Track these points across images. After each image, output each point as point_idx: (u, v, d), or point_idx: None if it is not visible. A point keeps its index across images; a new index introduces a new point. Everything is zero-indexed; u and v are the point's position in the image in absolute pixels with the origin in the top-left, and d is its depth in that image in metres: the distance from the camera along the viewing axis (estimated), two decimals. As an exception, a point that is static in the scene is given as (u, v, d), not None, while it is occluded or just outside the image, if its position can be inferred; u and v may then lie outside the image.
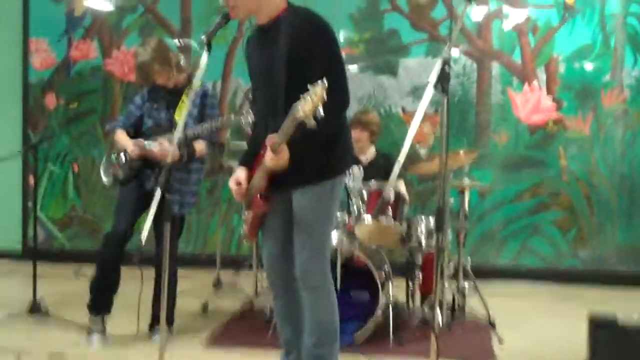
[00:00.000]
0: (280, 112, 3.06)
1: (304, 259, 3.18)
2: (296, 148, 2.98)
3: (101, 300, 4.49)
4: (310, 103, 2.73)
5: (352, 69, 6.68)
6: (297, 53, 3.02)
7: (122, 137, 4.57)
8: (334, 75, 2.93)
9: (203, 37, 3.18)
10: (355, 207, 4.62)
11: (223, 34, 6.65)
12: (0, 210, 6.63)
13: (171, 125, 4.37)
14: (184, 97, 4.42)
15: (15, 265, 6.70)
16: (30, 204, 6.91)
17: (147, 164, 4.46)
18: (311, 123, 2.75)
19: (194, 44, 6.58)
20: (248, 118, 4.20)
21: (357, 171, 5.18)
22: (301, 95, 2.75)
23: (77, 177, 7.06)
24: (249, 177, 3.27)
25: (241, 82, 6.73)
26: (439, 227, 3.36)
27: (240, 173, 3.29)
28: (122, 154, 4.55)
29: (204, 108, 4.44)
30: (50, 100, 7.10)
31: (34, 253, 5.07)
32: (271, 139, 2.97)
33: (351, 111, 5.33)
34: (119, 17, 7.02)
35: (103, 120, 6.90)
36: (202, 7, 6.81)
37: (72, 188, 7.07)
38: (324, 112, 2.77)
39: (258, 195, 3.19)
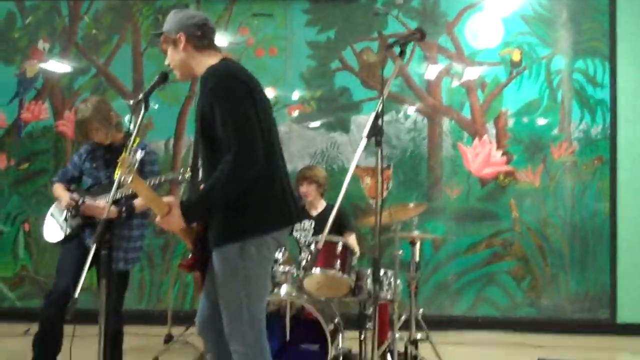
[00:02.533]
0: (205, 172, 3.13)
1: (225, 323, 3.14)
2: (197, 210, 3.01)
3: (43, 358, 4.43)
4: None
5: (304, 126, 6.77)
6: (204, 113, 3.05)
7: (59, 190, 4.57)
8: (230, 135, 2.95)
9: (140, 95, 3.26)
10: (304, 260, 4.67)
11: (175, 94, 6.74)
12: None
13: (111, 184, 4.31)
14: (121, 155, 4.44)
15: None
16: None
17: (87, 222, 4.43)
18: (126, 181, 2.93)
19: (131, 103, 6.72)
20: (185, 175, 4.28)
21: (307, 225, 5.25)
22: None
23: (27, 237, 7.01)
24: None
25: (191, 138, 6.75)
26: (375, 277, 3.45)
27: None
28: (63, 211, 4.53)
29: (144, 165, 4.42)
30: (1, 161, 7.08)
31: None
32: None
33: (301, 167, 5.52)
34: (71, 79, 7.07)
35: (54, 180, 6.86)
36: (153, 68, 6.86)
37: (23, 248, 7.01)
38: (219, 175, 2.90)
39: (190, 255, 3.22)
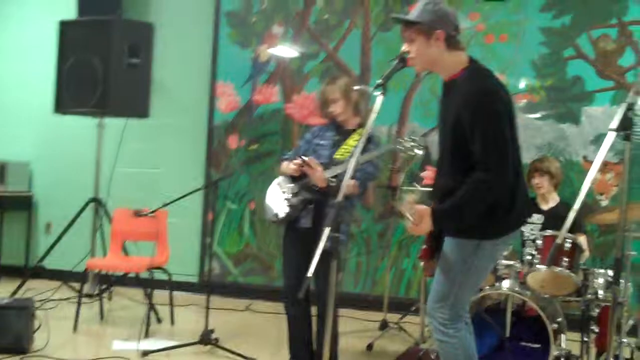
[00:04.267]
0: (444, 170, 3.30)
1: (431, 298, 3.36)
2: (448, 220, 3.21)
3: (298, 351, 4.64)
4: (403, 207, 3.13)
5: (532, 115, 6.56)
6: (460, 123, 3.13)
7: (283, 165, 4.66)
8: (488, 156, 3.08)
9: (379, 80, 3.26)
10: (528, 255, 4.60)
11: (401, 79, 6.73)
12: (180, 243, 6.87)
13: (330, 163, 4.42)
14: (349, 140, 4.50)
15: (191, 297, 6.98)
16: (208, 239, 7.17)
17: (306, 201, 4.51)
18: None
19: (370, 89, 6.64)
20: (405, 144, 4.23)
21: (536, 219, 5.11)
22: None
23: (253, 216, 7.29)
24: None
25: (417, 126, 6.76)
26: (616, 278, 3.35)
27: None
28: (283, 189, 4.62)
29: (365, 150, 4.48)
30: (233, 141, 7.41)
31: (208, 286, 5.27)
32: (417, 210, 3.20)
33: (530, 159, 5.34)
34: (301, 63, 7.24)
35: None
36: (382, 54, 6.91)
37: (249, 226, 7.31)
38: (474, 192, 3.08)
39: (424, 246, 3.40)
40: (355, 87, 4.55)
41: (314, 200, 4.47)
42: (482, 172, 3.07)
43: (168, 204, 5.28)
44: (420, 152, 4.23)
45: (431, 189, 3.46)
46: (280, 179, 4.68)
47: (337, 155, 4.47)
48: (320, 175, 4.32)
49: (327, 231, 3.11)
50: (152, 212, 5.47)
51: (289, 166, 4.54)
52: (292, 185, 4.56)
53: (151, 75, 6.84)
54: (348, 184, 4.28)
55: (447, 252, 3.30)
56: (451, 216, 3.16)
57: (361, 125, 4.55)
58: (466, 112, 3.10)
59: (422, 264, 3.68)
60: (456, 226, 3.24)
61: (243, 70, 7.38)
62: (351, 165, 4.23)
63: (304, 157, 4.42)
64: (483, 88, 3.15)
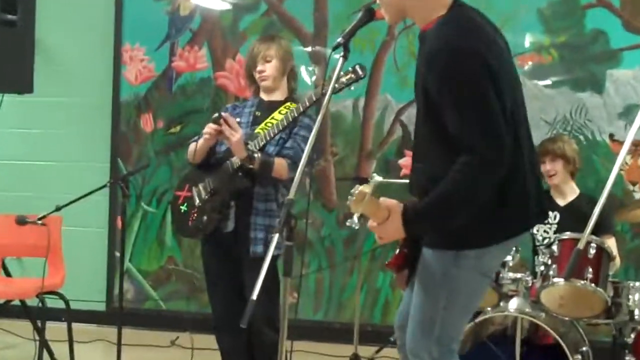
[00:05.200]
0: (421, 156, 3.31)
1: (409, 332, 3.36)
2: (424, 221, 3.16)
3: None
4: (352, 203, 2.99)
5: (541, 82, 6.61)
6: (428, 92, 3.14)
7: (192, 145, 4.76)
8: (466, 131, 3.03)
9: (340, 39, 3.28)
10: (542, 265, 4.65)
11: (369, 37, 6.75)
12: (80, 260, 6.80)
13: (248, 139, 4.56)
14: (275, 114, 4.66)
15: (97, 330, 6.92)
16: (117, 253, 7.14)
17: (230, 198, 4.61)
18: (354, 222, 3.06)
19: (328, 51, 6.74)
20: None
21: (550, 217, 5.16)
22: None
23: (177, 220, 7.26)
24: None
25: (391, 100, 6.80)
26: None
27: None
28: (195, 192, 4.76)
29: (295, 126, 4.63)
30: (147, 122, 7.36)
31: (120, 315, 5.24)
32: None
33: (539, 139, 5.39)
34: (235, 18, 7.19)
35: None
36: (341, 5, 6.91)
37: (171, 234, 7.24)
38: (455, 183, 3.03)
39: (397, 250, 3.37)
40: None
41: (238, 192, 4.58)
42: (465, 155, 3.03)
43: (62, 207, 5.24)
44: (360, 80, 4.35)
45: (408, 181, 3.46)
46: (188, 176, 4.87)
47: (259, 130, 4.63)
48: (238, 140, 4.43)
49: (275, 238, 3.13)
50: (41, 218, 5.38)
51: (204, 131, 4.60)
52: (207, 181, 4.70)
53: (34, 37, 6.62)
54: (278, 163, 4.55)
55: (423, 264, 3.30)
56: (428, 215, 3.15)
57: (290, 100, 4.72)
58: (430, 76, 3.11)
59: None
60: (434, 232, 3.24)
61: (157, 28, 7.35)
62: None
63: (221, 113, 4.54)
64: (450, 40, 3.12)
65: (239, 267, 4.63)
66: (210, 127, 4.55)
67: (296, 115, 4.47)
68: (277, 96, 4.73)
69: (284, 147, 4.60)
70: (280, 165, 4.54)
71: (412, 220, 3.13)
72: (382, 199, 3.15)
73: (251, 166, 4.46)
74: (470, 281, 3.26)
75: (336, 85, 4.12)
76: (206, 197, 4.67)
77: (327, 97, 3.31)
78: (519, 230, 3.30)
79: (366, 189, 3.03)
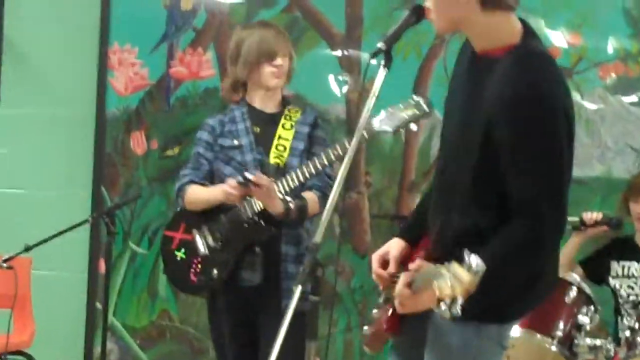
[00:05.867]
0: (448, 189, 3.33)
1: None
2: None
3: None
4: (448, 289, 2.80)
5: (626, 100, 6.53)
6: (492, 134, 3.14)
7: (199, 192, 4.84)
8: (537, 193, 3.08)
9: (380, 43, 3.30)
10: (627, 330, 4.69)
11: (414, 40, 6.70)
12: (53, 312, 6.78)
13: (263, 171, 4.62)
14: (280, 130, 4.80)
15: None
16: (98, 304, 7.10)
17: (245, 248, 4.68)
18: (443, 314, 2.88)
19: (362, 55, 6.77)
20: (383, 126, 4.38)
21: (636, 269, 5.16)
22: (443, 269, 2.82)
23: (173, 264, 7.23)
24: (405, 258, 3.41)
25: (440, 118, 6.67)
26: None
27: (394, 247, 3.46)
28: (200, 237, 4.83)
29: (313, 144, 4.79)
30: (138, 143, 7.31)
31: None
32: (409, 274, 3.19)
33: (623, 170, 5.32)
34: (248, 14, 7.13)
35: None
36: (380, 1, 6.90)
37: (165, 282, 7.13)
38: (515, 238, 3.09)
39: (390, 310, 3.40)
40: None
41: (262, 240, 4.65)
42: (529, 219, 3.08)
43: (33, 246, 5.28)
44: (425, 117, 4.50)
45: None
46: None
47: (273, 160, 4.75)
48: (274, 198, 4.53)
49: (298, 290, 3.11)
50: (7, 260, 5.46)
51: (227, 191, 4.65)
52: (216, 225, 4.77)
53: (2, 35, 6.96)
54: (311, 198, 4.72)
55: (435, 333, 3.34)
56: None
57: (285, 104, 4.92)
58: (505, 121, 3.10)
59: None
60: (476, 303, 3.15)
61: (152, 25, 7.33)
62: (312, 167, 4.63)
63: (247, 175, 4.54)
64: (539, 87, 3.12)
65: (260, 324, 4.75)
66: (236, 190, 4.58)
67: (339, 154, 4.49)
68: (271, 104, 4.85)
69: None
70: (312, 202, 4.66)
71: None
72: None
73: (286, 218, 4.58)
74: (490, 354, 3.35)
75: (393, 125, 4.31)
76: (216, 245, 4.72)
77: (363, 118, 3.30)
78: (544, 298, 3.42)
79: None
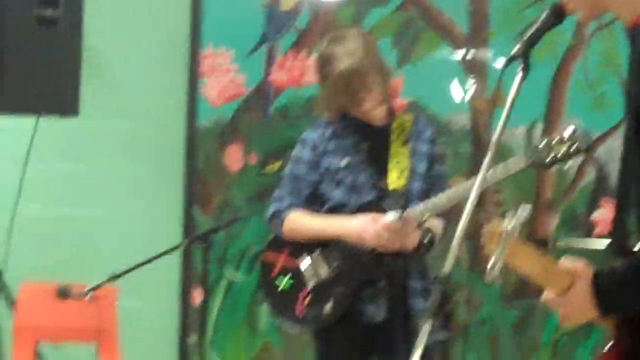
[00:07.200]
0: (628, 186, 3.05)
1: None
2: (625, 293, 2.89)
3: None
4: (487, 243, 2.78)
5: None
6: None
7: (305, 220, 4.73)
8: None
9: (517, 47, 3.05)
10: None
11: (549, 40, 6.26)
12: (143, 346, 6.68)
13: (380, 196, 4.61)
14: (394, 147, 4.72)
15: None
16: (193, 337, 6.73)
17: (365, 270, 4.61)
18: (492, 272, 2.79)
19: (488, 57, 6.66)
20: (555, 148, 4.21)
21: None
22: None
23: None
24: None
25: (581, 125, 6.33)
26: None
27: None
28: (311, 264, 4.71)
29: (434, 164, 4.76)
30: (233, 158, 7.17)
31: None
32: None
33: None
34: (357, 13, 7.02)
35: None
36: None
37: (266, 313, 6.89)
38: None
39: None
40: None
41: (384, 275, 4.60)
42: None
43: (119, 276, 5.19)
44: (579, 160, 4.29)
45: (610, 242, 3.13)
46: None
47: (393, 184, 4.66)
48: (414, 236, 4.54)
49: (426, 327, 2.94)
50: (91, 290, 5.27)
51: (377, 232, 4.52)
52: (331, 252, 4.68)
53: (82, 41, 6.59)
54: (436, 228, 4.71)
55: None
56: (632, 282, 2.84)
57: (391, 112, 4.80)
58: None
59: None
60: None
61: (249, 27, 7.18)
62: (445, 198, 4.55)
63: (403, 214, 4.50)
64: None
65: None
66: (389, 228, 4.49)
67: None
68: (377, 118, 4.72)
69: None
70: (438, 230, 4.66)
71: (609, 289, 2.84)
72: (563, 259, 2.92)
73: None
74: None
75: (547, 157, 4.19)
76: (329, 275, 4.64)
77: (497, 133, 3.05)
78: None
79: (500, 225, 2.76)
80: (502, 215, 5.99)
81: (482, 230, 2.82)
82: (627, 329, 2.96)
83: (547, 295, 2.92)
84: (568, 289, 2.85)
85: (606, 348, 2.97)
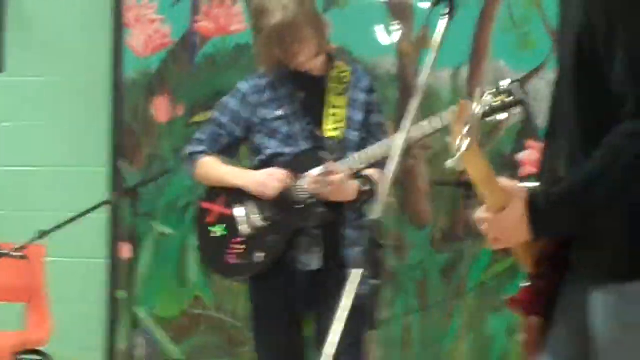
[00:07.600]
0: (558, 120, 3.07)
1: None
2: (560, 213, 2.85)
3: None
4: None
5: None
6: (588, 31, 2.86)
7: (213, 167, 4.78)
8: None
9: None
10: None
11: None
12: (71, 304, 6.66)
13: (317, 146, 4.63)
14: (331, 97, 4.72)
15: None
16: (122, 292, 6.93)
17: (300, 219, 4.63)
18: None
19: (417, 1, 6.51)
20: (486, 99, 4.15)
21: None
22: None
23: (205, 246, 7.02)
24: None
25: (506, 69, 6.47)
26: None
27: None
28: (245, 213, 4.73)
29: (371, 113, 4.76)
30: (161, 109, 7.15)
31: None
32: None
33: None
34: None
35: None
36: None
37: (197, 266, 7.01)
38: (610, 154, 2.73)
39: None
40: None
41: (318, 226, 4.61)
42: (631, 120, 2.74)
43: (47, 233, 5.19)
44: (516, 112, 4.17)
45: (538, 184, 3.12)
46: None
47: (329, 132, 4.68)
48: (349, 186, 4.55)
49: (357, 274, 3.04)
50: (19, 248, 5.28)
51: (275, 178, 4.62)
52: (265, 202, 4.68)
53: None
54: (375, 179, 4.68)
55: (598, 321, 2.85)
56: (567, 202, 2.81)
57: (331, 62, 4.77)
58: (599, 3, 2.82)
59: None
60: (578, 230, 2.86)
61: None
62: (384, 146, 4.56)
63: (329, 167, 4.53)
64: None
65: (317, 312, 4.70)
66: (286, 177, 4.59)
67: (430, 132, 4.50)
68: (315, 67, 4.70)
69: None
70: (378, 181, 4.64)
71: (544, 209, 2.80)
72: (501, 178, 2.86)
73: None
74: None
75: (481, 108, 4.03)
76: (262, 224, 4.64)
77: (423, 75, 3.14)
78: None
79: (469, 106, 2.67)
80: (430, 160, 6.19)
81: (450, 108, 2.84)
82: (545, 268, 2.98)
83: (481, 213, 2.90)
84: (503, 209, 2.83)
85: (522, 284, 2.99)
